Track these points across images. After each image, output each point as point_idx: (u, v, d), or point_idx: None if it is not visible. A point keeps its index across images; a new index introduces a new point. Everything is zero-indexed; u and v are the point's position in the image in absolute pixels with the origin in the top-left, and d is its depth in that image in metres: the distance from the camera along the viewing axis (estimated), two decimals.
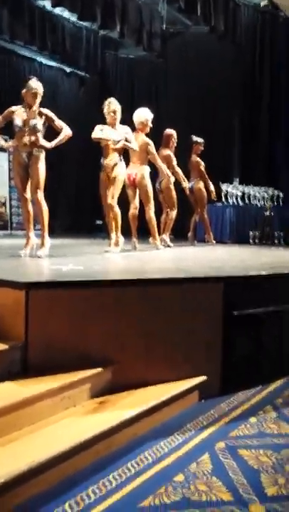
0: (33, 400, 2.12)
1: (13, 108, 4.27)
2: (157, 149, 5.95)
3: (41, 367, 2.38)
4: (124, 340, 2.64)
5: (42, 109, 4.26)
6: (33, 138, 4.16)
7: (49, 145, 4.24)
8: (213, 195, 7.38)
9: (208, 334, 2.95)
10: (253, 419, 2.56)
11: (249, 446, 2.24)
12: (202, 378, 2.81)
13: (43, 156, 4.24)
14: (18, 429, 2.03)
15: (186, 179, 6.69)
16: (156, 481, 1.91)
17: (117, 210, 5.10)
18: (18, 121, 4.19)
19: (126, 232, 5.66)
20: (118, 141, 5.02)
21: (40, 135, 4.20)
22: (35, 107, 4.23)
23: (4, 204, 9.55)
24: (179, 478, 1.93)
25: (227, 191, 8.56)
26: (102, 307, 2.62)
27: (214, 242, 7.48)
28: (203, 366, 2.88)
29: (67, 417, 2.19)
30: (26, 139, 4.18)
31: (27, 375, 2.33)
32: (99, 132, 5.03)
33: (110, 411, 2.29)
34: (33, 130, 4.16)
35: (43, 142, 4.19)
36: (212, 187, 7.31)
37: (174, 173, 6.40)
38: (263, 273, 3.43)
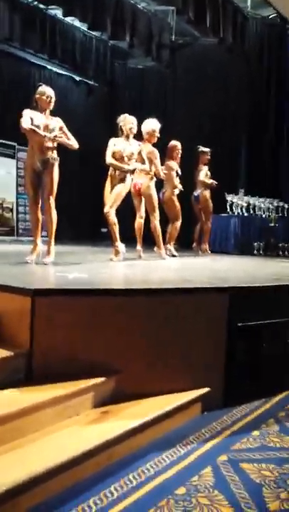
0: (36, 408, 2.12)
1: (29, 110, 4.26)
2: (163, 160, 6.00)
3: (45, 374, 2.38)
4: (127, 349, 2.64)
5: (56, 118, 4.34)
6: (52, 138, 4.18)
7: (60, 139, 4.25)
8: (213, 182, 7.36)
9: (212, 345, 2.95)
10: (255, 433, 2.55)
11: (251, 459, 2.23)
12: (205, 390, 2.80)
13: (57, 163, 4.28)
14: (20, 437, 2.03)
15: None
16: (157, 493, 1.90)
17: (113, 219, 5.07)
18: (37, 123, 4.17)
19: (131, 241, 5.67)
20: (132, 170, 5.12)
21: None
22: (49, 113, 4.29)
23: (11, 210, 9.61)
24: (181, 491, 1.92)
25: (232, 202, 8.58)
26: (106, 316, 2.62)
27: (209, 252, 7.49)
28: (206, 378, 2.87)
29: (70, 426, 2.19)
30: (47, 144, 4.18)
31: (31, 383, 2.33)
32: (110, 155, 5.03)
33: (113, 421, 2.28)
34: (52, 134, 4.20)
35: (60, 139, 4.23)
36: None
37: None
38: (268, 284, 3.42)
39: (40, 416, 2.13)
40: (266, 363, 3.17)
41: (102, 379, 2.45)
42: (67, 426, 2.18)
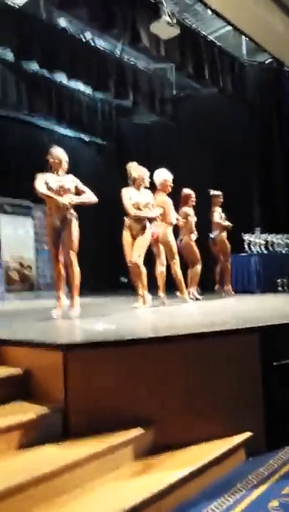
0: (76, 465, 2.06)
1: (44, 174, 4.36)
2: (177, 209, 6.18)
3: (82, 429, 2.33)
4: (164, 398, 2.58)
5: (69, 175, 4.45)
6: (69, 200, 4.26)
7: (75, 200, 4.31)
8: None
9: (248, 387, 2.87)
10: None
11: None
12: (247, 434, 2.71)
13: (76, 219, 4.34)
14: (63, 495, 1.96)
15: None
16: None
17: (141, 268, 5.13)
18: (52, 185, 4.29)
19: (154, 289, 5.67)
20: (154, 218, 5.26)
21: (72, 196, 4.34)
22: (64, 173, 4.42)
23: (30, 267, 9.80)
24: None
25: (250, 241, 8.59)
26: (137, 366, 2.58)
27: (233, 293, 7.44)
28: (246, 421, 2.78)
29: (112, 480, 2.12)
30: (61, 202, 4.24)
31: (68, 438, 2.28)
32: (131, 206, 5.13)
33: (156, 473, 2.21)
34: (68, 192, 4.30)
35: (74, 198, 4.30)
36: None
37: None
38: None
39: (82, 472, 2.07)
40: None
41: (141, 430, 2.38)
42: (110, 480, 2.12)
